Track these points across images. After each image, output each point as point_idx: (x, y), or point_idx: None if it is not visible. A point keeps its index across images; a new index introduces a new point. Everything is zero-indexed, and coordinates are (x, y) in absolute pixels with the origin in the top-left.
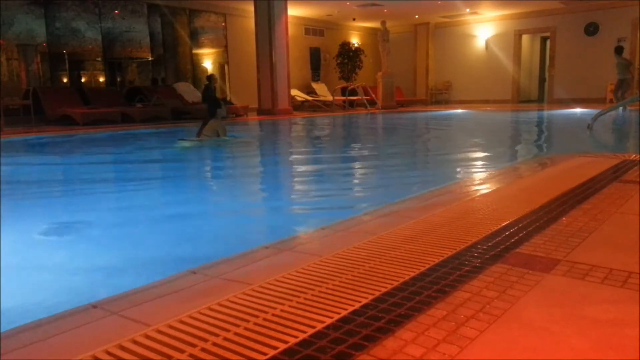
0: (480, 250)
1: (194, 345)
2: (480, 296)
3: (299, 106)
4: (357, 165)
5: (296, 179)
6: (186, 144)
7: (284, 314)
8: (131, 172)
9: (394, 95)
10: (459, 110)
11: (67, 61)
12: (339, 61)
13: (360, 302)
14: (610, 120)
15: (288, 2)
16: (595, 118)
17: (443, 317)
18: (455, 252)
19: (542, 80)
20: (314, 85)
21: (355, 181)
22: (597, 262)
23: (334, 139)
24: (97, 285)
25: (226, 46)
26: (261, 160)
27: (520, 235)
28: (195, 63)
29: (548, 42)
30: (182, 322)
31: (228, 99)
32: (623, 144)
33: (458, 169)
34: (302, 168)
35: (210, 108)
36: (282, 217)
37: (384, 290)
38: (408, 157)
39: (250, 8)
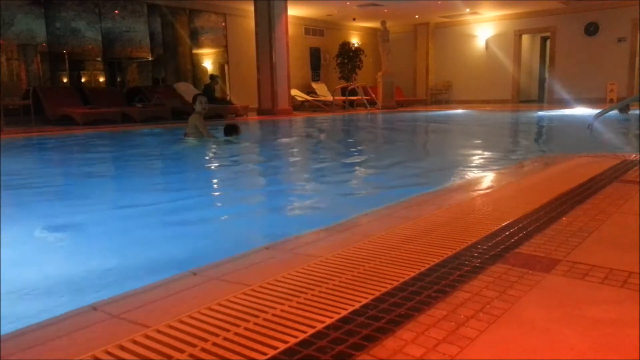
0: (480, 250)
1: (194, 345)
2: (480, 296)
3: (299, 106)
4: (356, 165)
5: (295, 179)
6: (185, 142)
7: (284, 314)
8: (129, 171)
9: (394, 95)
10: (459, 111)
11: (67, 61)
12: (339, 61)
13: (360, 302)
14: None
15: (288, 2)
16: (595, 118)
17: (443, 317)
18: (455, 252)
19: (542, 80)
20: (314, 85)
21: (355, 181)
22: (597, 262)
23: (334, 139)
24: (97, 286)
25: (226, 46)
26: (260, 160)
27: (520, 235)
28: (195, 63)
29: (548, 42)
30: (182, 322)
31: (228, 99)
32: (623, 144)
33: (458, 169)
34: (301, 168)
35: (192, 103)
36: (281, 218)
37: (384, 290)
38: (408, 157)
39: (250, 8)
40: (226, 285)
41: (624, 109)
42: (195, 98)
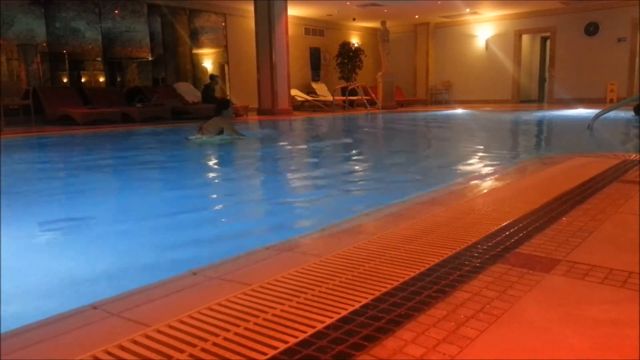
0: (480, 250)
1: (194, 345)
2: (480, 296)
3: (299, 106)
4: (356, 165)
5: (297, 179)
6: (195, 139)
7: (284, 314)
8: (135, 170)
9: (393, 95)
10: (459, 111)
11: (67, 61)
12: (339, 61)
13: (360, 302)
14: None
15: (288, 2)
16: (595, 118)
17: (443, 317)
18: (455, 252)
19: (542, 80)
20: (314, 85)
21: (355, 181)
22: (597, 262)
23: (335, 139)
24: (97, 286)
25: (226, 46)
26: (264, 160)
27: (520, 235)
28: (195, 63)
29: (548, 42)
30: (182, 322)
31: (228, 98)
32: (623, 144)
33: (458, 169)
34: (304, 167)
35: (217, 107)
36: (282, 217)
37: (384, 290)
38: (408, 157)
39: (250, 8)
40: (226, 285)
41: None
42: (228, 104)
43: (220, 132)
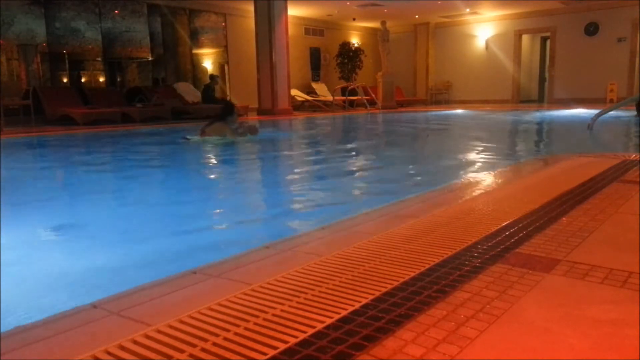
0: (480, 250)
1: (194, 345)
2: (480, 296)
3: (299, 106)
4: (356, 165)
5: (297, 178)
6: (194, 139)
7: (284, 314)
8: (135, 169)
9: (393, 95)
10: (459, 111)
11: (67, 61)
12: (339, 61)
13: (360, 302)
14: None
15: (288, 2)
16: (595, 118)
17: (443, 317)
18: (455, 252)
19: (542, 80)
20: (314, 85)
21: (356, 181)
22: (597, 262)
23: (335, 139)
24: (97, 284)
25: (226, 46)
26: (266, 160)
27: (520, 235)
28: (195, 63)
29: (548, 42)
30: (182, 322)
31: (228, 99)
32: (623, 144)
33: (458, 169)
34: (304, 167)
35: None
36: (282, 216)
37: (384, 290)
38: (408, 157)
39: (250, 8)
40: (226, 284)
41: None
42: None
43: (223, 136)
